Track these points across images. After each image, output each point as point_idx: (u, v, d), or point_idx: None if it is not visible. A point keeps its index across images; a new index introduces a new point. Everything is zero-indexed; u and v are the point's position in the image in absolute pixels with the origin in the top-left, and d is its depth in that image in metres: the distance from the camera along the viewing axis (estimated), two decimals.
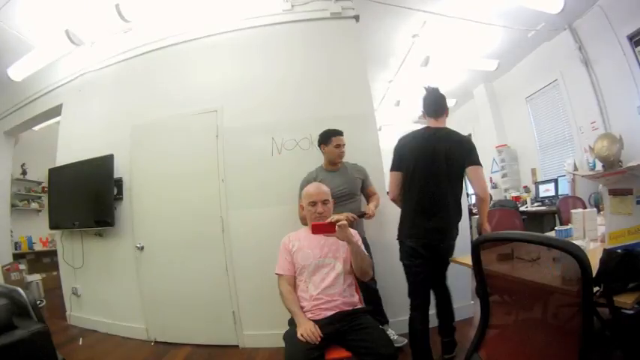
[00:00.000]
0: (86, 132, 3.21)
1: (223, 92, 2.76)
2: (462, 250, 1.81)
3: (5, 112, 4.07)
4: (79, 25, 2.99)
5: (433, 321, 2.51)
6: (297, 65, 2.74)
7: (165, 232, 2.71)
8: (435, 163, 1.73)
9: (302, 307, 1.53)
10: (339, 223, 1.43)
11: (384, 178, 2.62)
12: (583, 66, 3.72)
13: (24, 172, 5.39)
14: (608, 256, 0.97)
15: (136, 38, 3.12)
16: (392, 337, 2.21)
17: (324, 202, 1.63)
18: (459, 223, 1.90)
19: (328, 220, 1.47)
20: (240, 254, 2.56)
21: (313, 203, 1.63)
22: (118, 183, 2.92)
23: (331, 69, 2.71)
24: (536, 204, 4.34)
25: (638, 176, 1.18)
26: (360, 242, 1.66)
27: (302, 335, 1.34)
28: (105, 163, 2.90)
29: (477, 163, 1.72)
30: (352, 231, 1.71)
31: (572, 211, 1.83)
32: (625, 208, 1.20)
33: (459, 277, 2.50)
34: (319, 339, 1.33)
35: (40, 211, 5.54)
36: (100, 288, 3.04)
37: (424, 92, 1.97)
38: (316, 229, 1.46)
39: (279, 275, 1.61)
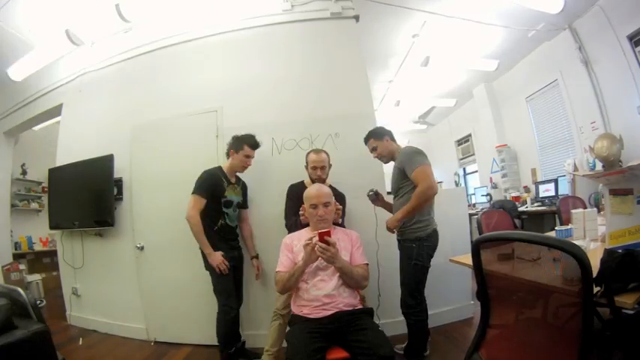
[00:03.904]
0: (86, 132, 3.21)
1: (223, 92, 2.76)
2: (462, 250, 1.82)
3: (5, 112, 4.07)
4: (79, 25, 2.99)
5: (433, 321, 2.53)
6: (297, 65, 2.74)
7: (165, 232, 2.70)
8: None
9: (302, 308, 1.54)
10: (316, 248, 1.45)
11: (384, 178, 2.63)
12: (583, 66, 3.72)
13: (24, 172, 5.39)
14: (609, 256, 0.97)
15: (136, 38, 3.12)
16: None
17: (326, 204, 1.62)
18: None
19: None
20: None
21: (314, 206, 1.62)
22: (118, 183, 2.92)
23: (331, 69, 2.71)
24: (536, 204, 4.34)
25: (638, 176, 1.18)
26: (358, 247, 1.66)
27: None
28: (105, 163, 2.90)
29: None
30: (353, 235, 1.72)
31: (573, 211, 1.83)
32: (626, 208, 1.20)
33: (459, 277, 2.51)
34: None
35: (40, 211, 5.54)
36: (100, 288, 3.03)
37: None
38: (321, 238, 1.46)
39: (278, 272, 1.61)
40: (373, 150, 2.09)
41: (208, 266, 2.10)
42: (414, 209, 1.83)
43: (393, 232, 1.94)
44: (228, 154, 2.24)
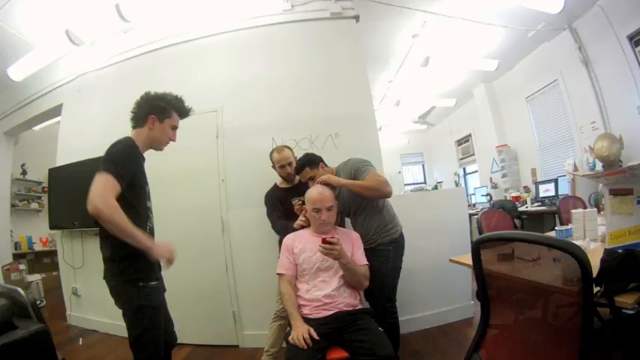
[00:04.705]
0: (86, 132, 3.21)
1: (223, 92, 2.76)
2: (462, 250, 1.81)
3: (5, 112, 4.07)
4: (79, 25, 2.99)
5: (434, 321, 2.53)
6: (297, 65, 2.74)
7: (164, 232, 2.68)
8: None
9: (302, 308, 1.53)
10: (319, 249, 1.44)
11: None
12: (583, 66, 3.72)
13: (24, 172, 5.39)
14: (609, 256, 0.97)
15: (136, 38, 3.12)
16: None
17: (329, 208, 1.61)
18: None
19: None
20: (240, 254, 2.56)
21: (317, 210, 1.61)
22: None
23: (331, 69, 2.71)
24: (536, 204, 4.34)
25: (638, 176, 1.18)
26: (359, 247, 1.66)
27: (292, 339, 1.34)
28: None
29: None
30: (354, 235, 1.72)
31: (573, 211, 1.83)
32: (626, 208, 1.20)
33: (459, 277, 2.51)
34: (306, 346, 1.30)
35: (40, 211, 5.55)
36: (100, 288, 2.99)
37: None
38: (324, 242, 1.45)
39: (280, 275, 1.61)
40: (310, 180, 1.91)
41: (124, 302, 1.39)
42: (362, 189, 1.73)
43: (324, 184, 1.71)
44: (138, 122, 1.48)
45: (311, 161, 1.95)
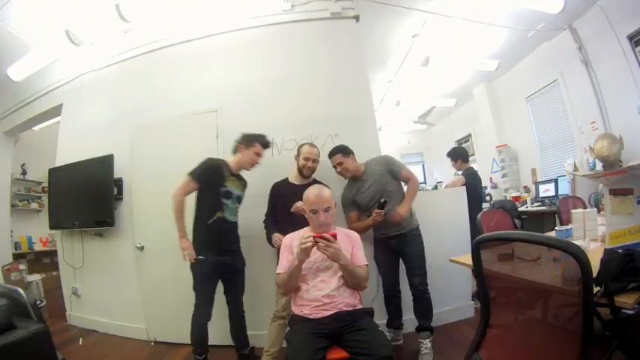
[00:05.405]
0: (86, 132, 3.21)
1: (223, 92, 2.76)
2: (462, 250, 1.81)
3: (5, 112, 4.07)
4: (79, 25, 2.99)
5: (434, 321, 2.53)
6: (297, 65, 2.74)
7: (165, 232, 2.69)
8: None
9: (302, 308, 1.53)
10: (319, 244, 1.39)
11: None
12: (583, 66, 3.71)
13: (24, 172, 5.39)
14: (609, 256, 0.97)
15: (136, 38, 3.12)
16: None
17: (326, 209, 1.57)
18: None
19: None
20: None
21: (314, 211, 1.57)
22: (118, 183, 2.92)
23: (331, 69, 2.71)
24: (536, 204, 4.34)
25: (638, 176, 1.18)
26: (359, 247, 1.64)
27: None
28: (105, 163, 2.90)
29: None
30: (353, 235, 1.70)
31: (573, 211, 1.83)
32: (626, 208, 1.20)
33: (459, 277, 2.51)
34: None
35: (40, 211, 5.54)
36: (100, 288, 3.03)
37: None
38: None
39: (279, 274, 1.60)
40: (338, 165, 2.14)
41: (191, 266, 2.05)
42: (414, 197, 2.16)
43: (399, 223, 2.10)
44: (235, 150, 2.16)
45: (344, 150, 2.17)
